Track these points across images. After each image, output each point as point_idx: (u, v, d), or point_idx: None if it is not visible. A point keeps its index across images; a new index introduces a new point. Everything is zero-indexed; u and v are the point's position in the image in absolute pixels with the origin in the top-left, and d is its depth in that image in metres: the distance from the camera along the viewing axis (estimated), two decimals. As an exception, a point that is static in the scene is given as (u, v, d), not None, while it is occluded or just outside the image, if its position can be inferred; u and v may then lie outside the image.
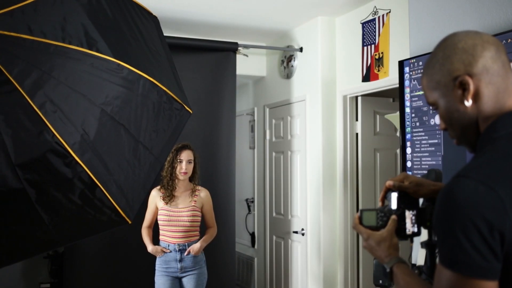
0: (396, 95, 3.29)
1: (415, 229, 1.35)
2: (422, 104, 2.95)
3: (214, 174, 4.38)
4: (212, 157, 4.38)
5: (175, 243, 3.50)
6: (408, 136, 3.06)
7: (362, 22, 4.00)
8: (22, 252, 2.29)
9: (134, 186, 2.23)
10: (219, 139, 4.48)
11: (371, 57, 3.89)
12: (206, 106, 4.41)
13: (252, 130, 5.51)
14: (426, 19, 3.01)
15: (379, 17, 3.82)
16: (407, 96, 3.06)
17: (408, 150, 3.05)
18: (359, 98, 4.21)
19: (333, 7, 4.07)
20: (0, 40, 1.97)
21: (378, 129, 4.29)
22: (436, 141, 2.85)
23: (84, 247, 4.04)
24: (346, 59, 4.20)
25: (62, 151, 1.96)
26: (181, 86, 2.55)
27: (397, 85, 3.19)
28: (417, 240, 2.47)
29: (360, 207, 4.16)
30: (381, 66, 3.80)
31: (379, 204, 1.45)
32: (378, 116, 4.27)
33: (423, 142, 2.94)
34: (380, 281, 1.38)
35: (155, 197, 3.61)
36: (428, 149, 2.90)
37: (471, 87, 1.10)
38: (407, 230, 1.34)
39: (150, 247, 3.53)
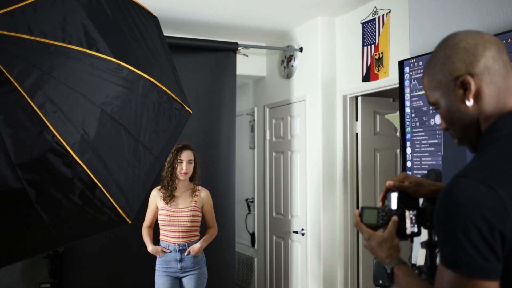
0: (396, 95, 3.29)
1: (415, 229, 1.34)
2: (422, 104, 2.95)
3: (214, 174, 4.38)
4: (212, 157, 4.38)
5: (175, 243, 3.50)
6: (408, 136, 3.06)
7: (362, 22, 4.00)
8: (22, 252, 2.29)
9: (134, 186, 2.22)
10: (219, 139, 4.48)
11: (371, 57, 3.89)
12: (206, 106, 4.41)
13: (252, 130, 5.51)
14: (426, 19, 3.01)
15: (379, 17, 3.82)
16: (407, 96, 3.06)
17: (408, 150, 3.05)
18: (359, 98, 4.21)
19: (333, 7, 4.07)
20: (0, 40, 1.97)
21: (378, 129, 4.29)
22: (436, 141, 2.85)
23: (84, 247, 4.04)
24: (346, 59, 4.20)
25: (62, 151, 1.95)
26: (181, 86, 2.55)
27: (397, 85, 3.19)
28: (417, 240, 2.47)
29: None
30: (381, 66, 3.80)
31: (379, 204, 1.45)
32: (378, 116, 4.27)
33: (423, 142, 2.94)
34: (380, 281, 1.38)
35: (156, 197, 3.61)
36: (428, 149, 2.90)
37: (473, 87, 1.10)
38: (407, 230, 1.34)
39: (150, 247, 3.53)
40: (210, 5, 4.00)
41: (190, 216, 3.52)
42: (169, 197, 3.54)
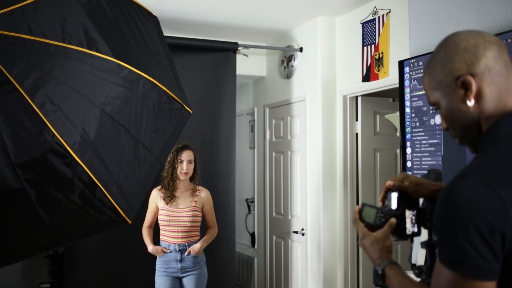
0: (396, 95, 3.29)
1: (415, 229, 1.35)
2: (422, 104, 2.95)
3: (214, 174, 4.38)
4: (212, 157, 4.38)
5: (175, 243, 3.50)
6: (408, 136, 3.06)
7: (362, 22, 4.00)
8: (22, 252, 2.29)
9: (134, 186, 2.22)
10: (219, 139, 4.48)
11: (371, 57, 3.89)
12: (206, 106, 4.40)
13: (252, 130, 5.51)
14: (426, 19, 3.01)
15: (379, 17, 3.82)
16: (407, 96, 3.06)
17: (408, 150, 3.05)
18: (359, 98, 4.21)
19: (333, 7, 4.07)
20: (0, 40, 1.97)
21: (378, 129, 4.29)
22: (436, 141, 2.85)
23: (84, 247, 4.04)
24: (346, 59, 4.20)
25: (62, 151, 1.95)
26: (181, 86, 2.55)
27: (397, 85, 3.19)
28: (417, 240, 2.47)
29: (360, 207, 4.15)
30: (381, 66, 3.80)
31: (379, 204, 1.45)
32: (378, 116, 4.27)
33: (423, 142, 2.94)
34: (380, 281, 1.38)
35: (156, 197, 3.61)
36: (428, 149, 2.90)
37: (473, 87, 1.10)
38: (407, 230, 1.34)
39: (150, 247, 3.53)
40: (210, 5, 4.00)
41: (191, 216, 3.52)
42: (170, 197, 3.54)
